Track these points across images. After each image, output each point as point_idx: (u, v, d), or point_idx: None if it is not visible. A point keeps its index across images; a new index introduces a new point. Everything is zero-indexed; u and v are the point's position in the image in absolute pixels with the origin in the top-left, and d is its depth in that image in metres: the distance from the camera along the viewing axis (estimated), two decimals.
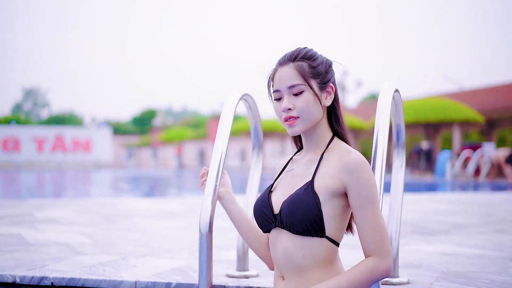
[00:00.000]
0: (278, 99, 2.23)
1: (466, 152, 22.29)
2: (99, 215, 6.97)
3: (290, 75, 2.19)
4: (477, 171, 21.83)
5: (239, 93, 3.18)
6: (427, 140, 27.76)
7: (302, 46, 2.29)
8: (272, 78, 2.27)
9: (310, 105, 2.18)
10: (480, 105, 28.26)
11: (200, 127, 63.64)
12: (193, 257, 4.00)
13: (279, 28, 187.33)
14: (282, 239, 2.18)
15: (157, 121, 63.38)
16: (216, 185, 2.64)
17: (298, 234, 2.12)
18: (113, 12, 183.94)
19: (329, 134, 2.27)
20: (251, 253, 4.00)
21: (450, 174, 21.42)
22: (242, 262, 3.39)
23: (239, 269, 3.39)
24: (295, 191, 2.15)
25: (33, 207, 7.98)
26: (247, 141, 48.66)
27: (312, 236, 2.11)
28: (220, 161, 2.80)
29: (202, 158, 57.40)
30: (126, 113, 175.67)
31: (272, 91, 2.27)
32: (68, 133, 49.76)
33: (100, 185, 19.57)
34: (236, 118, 60.75)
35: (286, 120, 2.20)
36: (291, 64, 2.21)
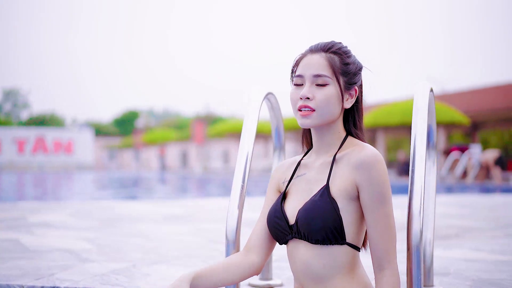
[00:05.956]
0: (298, 85, 2.08)
1: (454, 154, 22.27)
2: (96, 219, 6.75)
3: (319, 63, 2.04)
4: (464, 173, 21.83)
5: (264, 90, 3.00)
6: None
7: (337, 40, 2.15)
8: (297, 63, 2.11)
9: (331, 101, 2.02)
10: (464, 107, 28.33)
11: (183, 129, 63.26)
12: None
13: (277, 28, 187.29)
14: (300, 250, 2.03)
15: (139, 123, 62.86)
16: (243, 187, 2.46)
17: (318, 244, 1.98)
18: (94, 12, 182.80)
19: (343, 134, 2.12)
20: (274, 260, 3.82)
21: (438, 176, 21.41)
22: (265, 270, 3.22)
23: (262, 278, 3.22)
24: (311, 198, 2.00)
25: (24, 210, 7.74)
26: (230, 142, 48.47)
27: (332, 244, 1.97)
28: (247, 161, 2.62)
29: (185, 159, 57.12)
30: (107, 115, 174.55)
31: (294, 75, 2.12)
32: (49, 134, 49.38)
33: (87, 188, 19.27)
34: (218, 119, 60.54)
35: (300, 109, 2.04)
36: (323, 54, 2.06)
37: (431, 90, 3.00)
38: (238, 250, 2.41)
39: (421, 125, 2.65)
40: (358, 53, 2.22)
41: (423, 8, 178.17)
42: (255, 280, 3.23)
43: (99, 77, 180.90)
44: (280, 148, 3.40)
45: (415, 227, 2.21)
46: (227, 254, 2.41)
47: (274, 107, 3.21)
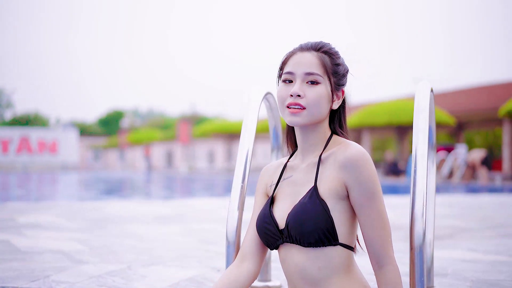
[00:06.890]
0: (287, 82, 2.05)
1: (441, 154, 22.36)
2: (86, 219, 6.68)
3: (311, 62, 2.02)
4: (450, 173, 21.93)
5: (263, 90, 2.98)
6: (399, 142, 27.86)
7: (325, 41, 2.13)
8: (286, 60, 2.09)
9: (321, 100, 2.00)
10: (450, 107, 28.47)
11: (168, 129, 63.03)
12: (204, 266, 3.77)
13: (277, 28, 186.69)
14: (292, 254, 2.00)
15: (124, 122, 62.52)
16: (242, 187, 2.44)
17: (310, 246, 1.95)
18: (94, 12, 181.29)
19: (328, 133, 2.10)
20: (273, 261, 3.80)
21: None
22: (264, 272, 3.19)
23: (261, 280, 3.19)
24: (299, 200, 1.98)
25: (12, 211, 7.65)
26: (216, 143, 48.39)
27: (325, 246, 1.95)
28: (247, 160, 2.59)
29: (170, 159, 56.95)
30: (92, 114, 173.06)
31: (282, 72, 2.08)
32: (34, 134, 48.93)
33: (75, 188, 19.13)
34: (203, 119, 60.39)
35: (289, 106, 2.01)
36: (314, 53, 2.04)
37: (431, 90, 2.99)
38: (238, 251, 2.38)
39: (423, 125, 2.64)
40: (358, 53, 2.21)
41: (423, 8, 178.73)
42: (254, 281, 3.20)
43: (98, 78, 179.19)
44: (277, 148, 3.38)
45: (418, 228, 2.20)
46: (228, 255, 2.39)
47: (272, 107, 3.19)
